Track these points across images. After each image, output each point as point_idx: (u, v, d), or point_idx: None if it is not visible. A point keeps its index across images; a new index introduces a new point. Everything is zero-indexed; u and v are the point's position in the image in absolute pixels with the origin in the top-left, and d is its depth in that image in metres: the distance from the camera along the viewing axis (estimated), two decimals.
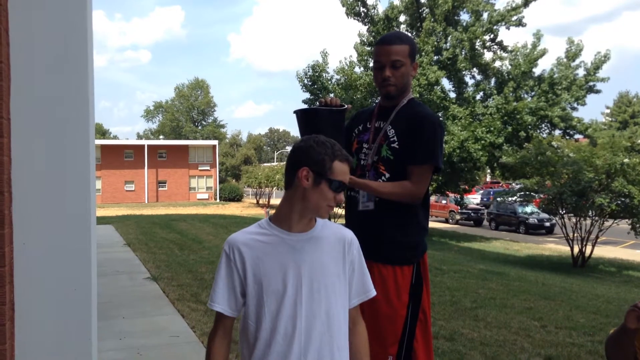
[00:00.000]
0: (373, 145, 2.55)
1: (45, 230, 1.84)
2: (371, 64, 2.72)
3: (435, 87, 20.72)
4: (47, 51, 1.82)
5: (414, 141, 2.45)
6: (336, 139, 2.43)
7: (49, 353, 1.85)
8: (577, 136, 21.80)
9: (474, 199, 35.53)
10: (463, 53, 21.60)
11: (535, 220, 25.21)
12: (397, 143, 2.48)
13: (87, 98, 1.86)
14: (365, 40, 22.81)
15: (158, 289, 7.17)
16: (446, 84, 22.38)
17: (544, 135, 21.14)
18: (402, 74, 2.49)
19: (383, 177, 2.50)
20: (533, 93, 21.63)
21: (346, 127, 2.64)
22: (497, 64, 22.72)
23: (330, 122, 2.40)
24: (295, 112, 2.45)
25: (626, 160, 14.52)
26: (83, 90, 1.85)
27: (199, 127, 76.74)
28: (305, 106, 18.16)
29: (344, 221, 2.65)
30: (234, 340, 1.83)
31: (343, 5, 22.49)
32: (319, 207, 1.72)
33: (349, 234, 1.84)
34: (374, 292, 1.85)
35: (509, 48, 22.50)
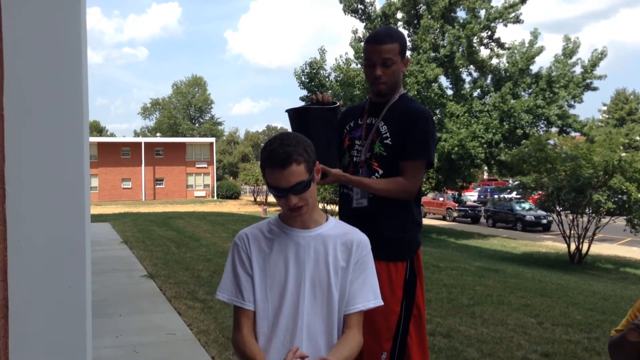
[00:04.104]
0: (366, 141, 2.54)
1: (40, 227, 1.83)
2: None
3: (433, 84, 20.72)
4: (40, 46, 1.80)
5: (406, 137, 2.44)
6: (329, 137, 2.44)
7: (43, 350, 1.84)
8: (573, 134, 21.85)
9: (471, 196, 35.58)
10: (460, 50, 21.60)
11: (532, 218, 25.24)
12: (389, 139, 2.47)
13: (81, 94, 1.85)
14: (361, 37, 22.80)
15: (155, 287, 7.16)
16: (443, 81, 22.41)
17: (541, 133, 21.18)
18: (393, 72, 2.48)
19: (376, 174, 2.49)
20: (530, 90, 21.67)
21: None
22: (494, 61, 22.76)
23: (322, 120, 2.38)
24: (287, 111, 2.44)
25: (624, 154, 14.53)
26: (77, 86, 1.84)
27: (196, 125, 76.60)
28: (302, 103, 18.20)
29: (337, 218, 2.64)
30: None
31: (341, 2, 22.47)
32: (284, 211, 1.73)
33: (360, 236, 1.79)
34: (375, 304, 1.77)
35: (506, 45, 22.53)
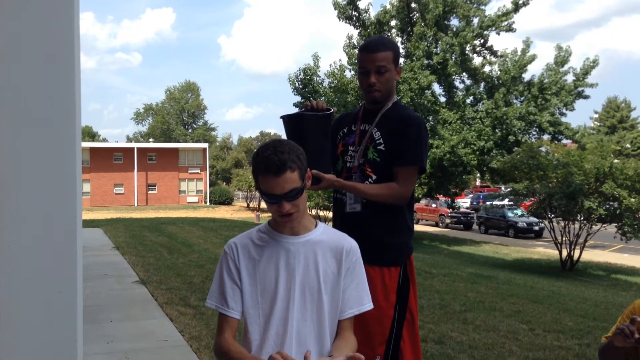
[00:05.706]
0: (359, 147, 2.57)
1: (31, 232, 1.82)
2: None
3: (426, 91, 20.79)
4: (33, 51, 1.80)
5: (399, 143, 2.48)
6: (323, 143, 2.46)
7: (34, 356, 1.83)
8: (565, 141, 21.98)
9: (463, 202, 35.67)
10: (453, 58, 21.70)
11: (524, 224, 25.32)
12: (383, 145, 2.51)
13: (74, 98, 1.85)
14: (355, 44, 22.84)
15: (146, 293, 7.13)
16: (436, 88, 22.50)
17: (533, 140, 21.29)
18: (387, 80, 2.52)
19: (370, 179, 2.52)
20: (523, 98, 21.80)
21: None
22: (487, 68, 22.89)
23: (317, 126, 2.41)
24: (282, 117, 2.46)
25: (615, 160, 14.59)
26: (70, 91, 1.84)
27: (190, 130, 76.46)
28: (296, 109, 18.22)
29: (331, 223, 2.65)
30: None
31: (335, 9, 22.52)
32: (275, 218, 1.75)
33: (349, 242, 1.81)
34: (370, 306, 1.81)
35: (499, 53, 22.67)
